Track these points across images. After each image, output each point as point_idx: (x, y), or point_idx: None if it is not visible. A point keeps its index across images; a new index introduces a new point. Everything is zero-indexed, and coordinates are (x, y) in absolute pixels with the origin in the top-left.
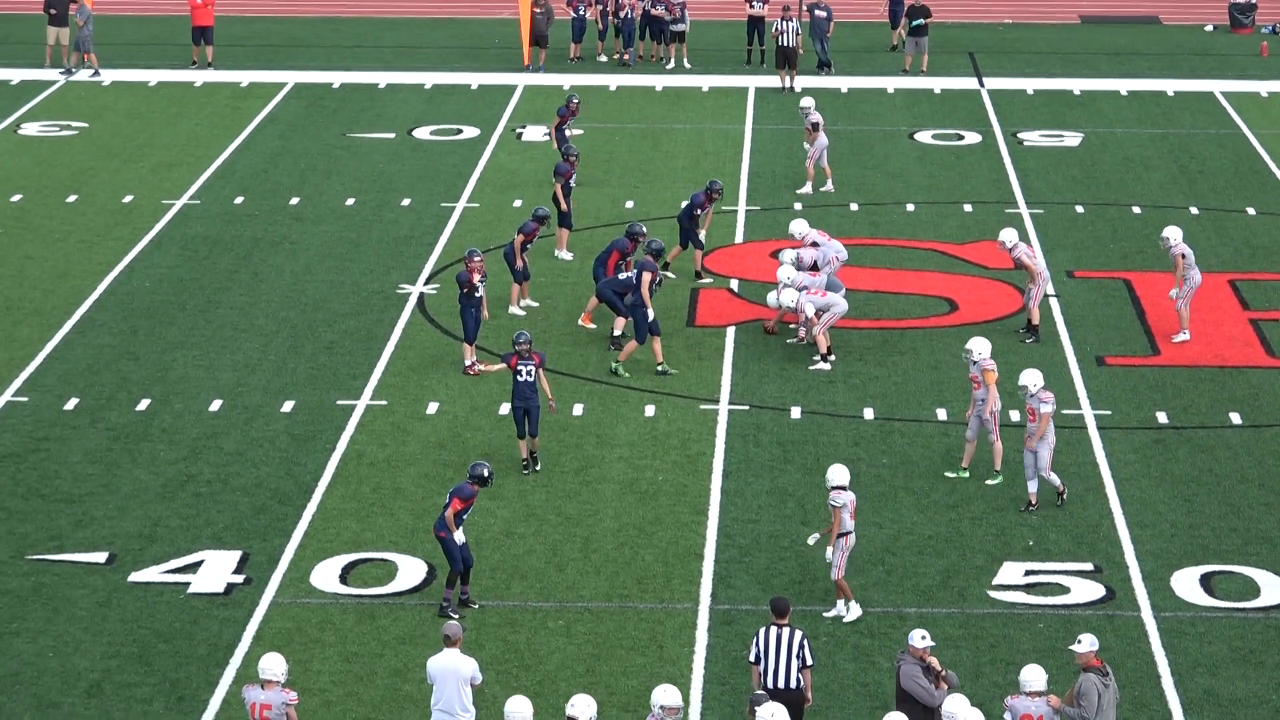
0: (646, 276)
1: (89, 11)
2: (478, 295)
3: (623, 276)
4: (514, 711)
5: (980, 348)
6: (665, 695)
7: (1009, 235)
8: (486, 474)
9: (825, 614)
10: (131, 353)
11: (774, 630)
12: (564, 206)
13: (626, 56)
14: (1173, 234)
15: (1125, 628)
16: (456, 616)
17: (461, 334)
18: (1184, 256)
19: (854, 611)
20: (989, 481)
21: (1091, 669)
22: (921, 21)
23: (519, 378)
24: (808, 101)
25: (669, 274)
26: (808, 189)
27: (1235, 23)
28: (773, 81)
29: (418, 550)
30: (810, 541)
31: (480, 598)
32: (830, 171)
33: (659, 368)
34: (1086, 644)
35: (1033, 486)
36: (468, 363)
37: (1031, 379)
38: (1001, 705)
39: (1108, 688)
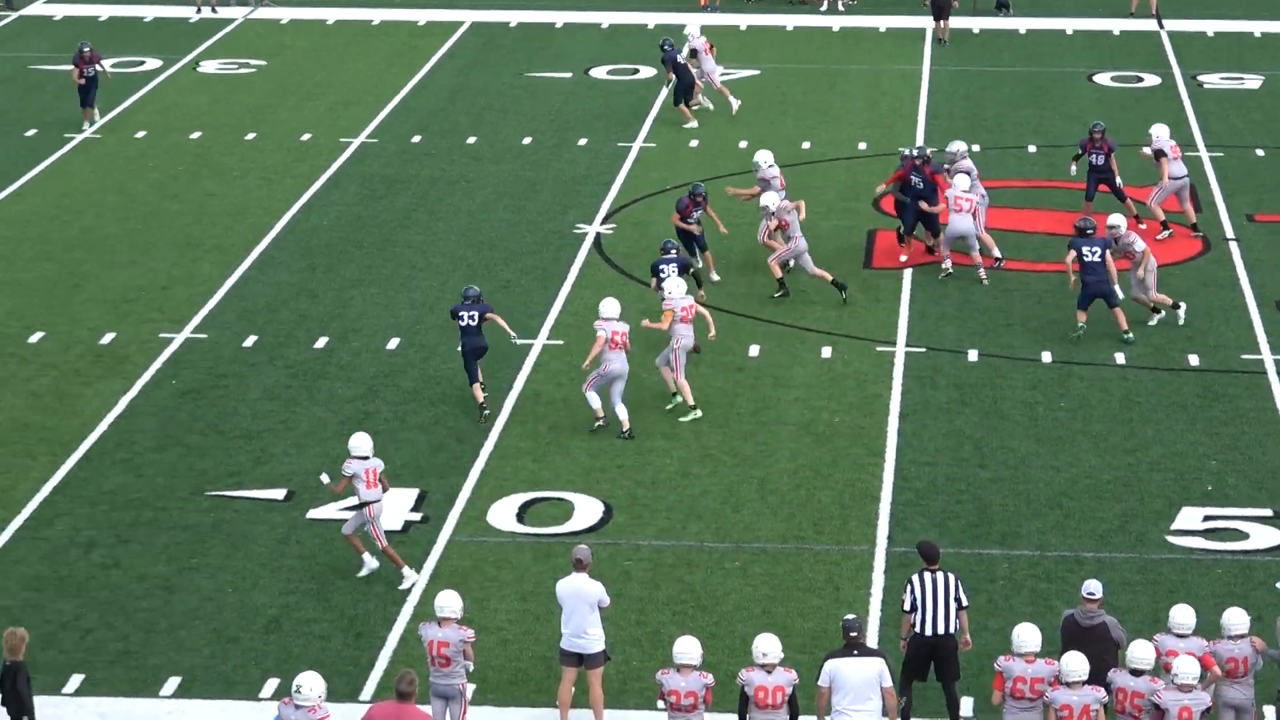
0: None
1: None
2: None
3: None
4: (682, 653)
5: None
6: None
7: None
8: None
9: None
10: (310, 290)
11: (928, 576)
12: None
13: None
14: None
15: None
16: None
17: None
18: None
19: (410, 577)
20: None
21: None
22: None
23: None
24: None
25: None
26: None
27: None
28: (956, 22)
29: (594, 490)
30: None
31: (657, 538)
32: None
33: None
34: None
35: None
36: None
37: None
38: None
39: None
